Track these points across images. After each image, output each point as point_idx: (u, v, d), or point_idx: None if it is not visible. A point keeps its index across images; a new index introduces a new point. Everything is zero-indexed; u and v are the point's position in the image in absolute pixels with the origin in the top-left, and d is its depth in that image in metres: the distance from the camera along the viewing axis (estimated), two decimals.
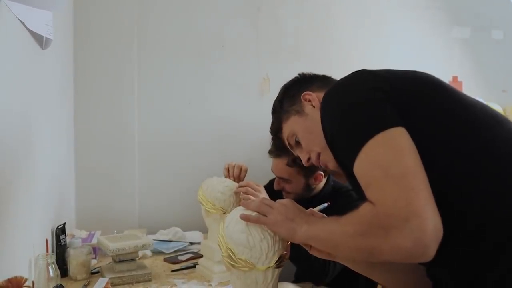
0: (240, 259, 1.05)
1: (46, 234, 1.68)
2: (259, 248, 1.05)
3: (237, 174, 1.99)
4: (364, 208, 0.86)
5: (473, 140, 0.92)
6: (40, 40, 1.56)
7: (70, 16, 2.29)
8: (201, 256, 1.85)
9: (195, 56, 2.54)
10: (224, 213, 1.71)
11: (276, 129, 1.34)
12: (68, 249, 1.76)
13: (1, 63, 1.18)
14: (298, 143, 1.26)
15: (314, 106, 1.21)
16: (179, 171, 2.52)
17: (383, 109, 0.92)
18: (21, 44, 1.39)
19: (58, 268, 1.47)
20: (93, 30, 2.38)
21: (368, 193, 0.87)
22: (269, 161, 2.57)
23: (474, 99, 1.02)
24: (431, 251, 0.79)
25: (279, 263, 1.07)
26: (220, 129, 2.58)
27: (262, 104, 2.64)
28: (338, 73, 2.83)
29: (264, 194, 1.78)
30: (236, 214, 1.13)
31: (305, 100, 1.24)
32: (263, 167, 2.58)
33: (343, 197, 1.80)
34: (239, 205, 1.20)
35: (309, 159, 1.23)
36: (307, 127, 1.21)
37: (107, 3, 2.39)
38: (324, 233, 0.95)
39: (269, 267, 1.06)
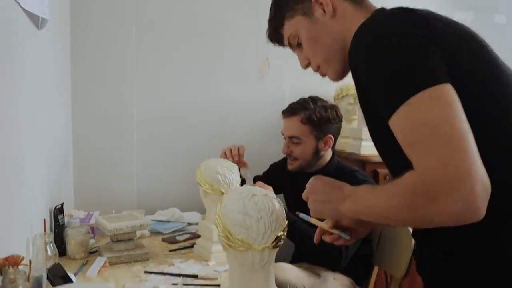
0: (237, 239, 1.06)
1: (44, 215, 1.68)
2: (256, 228, 1.05)
3: (235, 153, 2.01)
4: (407, 178, 0.81)
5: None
6: (36, 20, 1.55)
7: None
8: (199, 236, 1.86)
9: (194, 37, 2.53)
10: (222, 194, 1.71)
11: (276, 23, 1.16)
12: (67, 228, 1.77)
13: None
14: (299, 45, 1.14)
15: (325, 12, 1.06)
16: (177, 152, 2.52)
17: (434, 61, 0.84)
18: (16, 24, 1.37)
19: (56, 247, 1.48)
20: (90, 10, 2.36)
21: (411, 153, 0.82)
22: (268, 143, 2.59)
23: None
24: (482, 212, 0.77)
25: (275, 243, 1.08)
26: (219, 110, 2.58)
27: (261, 86, 2.64)
28: None
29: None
30: (234, 194, 1.13)
31: (317, 2, 1.07)
32: (262, 148, 2.59)
33: (348, 179, 1.79)
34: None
35: (308, 65, 1.16)
36: (313, 35, 1.09)
37: None
38: (369, 210, 0.92)
39: (265, 247, 1.07)
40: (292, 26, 1.12)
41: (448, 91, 0.81)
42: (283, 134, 1.99)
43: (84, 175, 2.39)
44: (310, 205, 1.04)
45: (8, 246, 1.21)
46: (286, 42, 1.17)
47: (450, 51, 0.87)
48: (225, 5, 2.57)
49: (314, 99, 1.95)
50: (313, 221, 1.20)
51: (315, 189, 1.03)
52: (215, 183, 1.73)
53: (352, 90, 2.51)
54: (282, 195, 2.12)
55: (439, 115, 0.79)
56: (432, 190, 0.77)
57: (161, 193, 2.49)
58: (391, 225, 1.02)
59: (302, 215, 1.29)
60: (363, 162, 2.32)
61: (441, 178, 0.76)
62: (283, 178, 2.09)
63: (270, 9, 1.18)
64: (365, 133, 2.39)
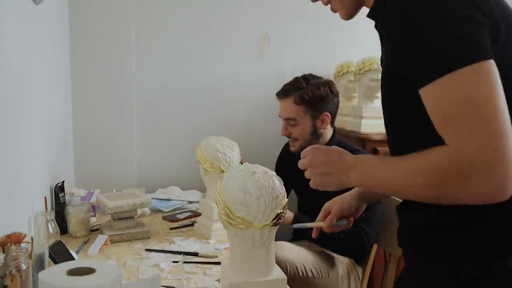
0: (237, 217, 1.06)
1: (45, 192, 1.69)
2: (256, 206, 1.06)
3: None
4: (439, 154, 0.79)
5: None
6: None
7: None
8: (200, 214, 1.86)
9: (193, 15, 2.50)
10: (222, 172, 1.71)
11: None
12: (68, 207, 1.77)
13: None
14: None
15: None
16: (177, 131, 2.52)
17: (485, 36, 0.80)
18: (14, 0, 1.35)
19: (58, 225, 1.49)
20: None
21: (446, 127, 0.79)
22: (268, 122, 2.58)
23: None
24: (510, 193, 0.77)
25: (275, 221, 1.08)
26: (219, 89, 2.56)
27: (261, 64, 2.62)
28: (340, 34, 2.78)
29: None
30: (234, 172, 1.13)
31: None
32: (262, 127, 2.59)
33: None
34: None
35: None
36: None
37: None
38: (379, 182, 0.90)
39: (265, 225, 1.07)
40: None
41: (494, 69, 0.79)
42: (280, 116, 1.97)
43: (85, 154, 2.39)
44: (310, 178, 1.02)
45: (10, 224, 1.22)
46: None
47: (496, 29, 0.83)
48: None
49: (306, 78, 1.92)
50: (309, 225, 1.26)
51: (315, 161, 1.01)
52: (215, 161, 1.73)
53: (353, 67, 2.49)
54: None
55: (485, 94, 0.77)
56: (467, 169, 0.76)
57: (162, 171, 2.49)
58: (396, 197, 0.98)
59: (297, 225, 1.33)
60: (363, 140, 2.31)
61: (478, 158, 0.75)
62: (290, 167, 2.08)
63: None
64: (365, 111, 2.38)
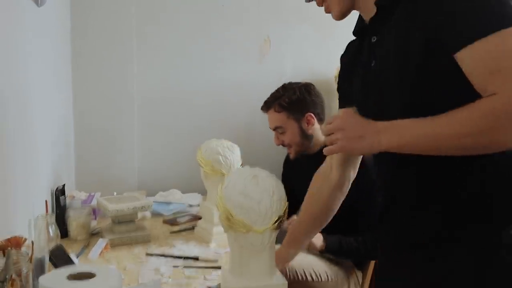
0: (238, 221, 1.06)
1: (45, 196, 1.69)
2: (257, 209, 1.05)
3: None
4: (488, 102, 0.83)
5: None
6: None
7: None
8: (200, 218, 1.86)
9: (193, 16, 2.49)
10: (223, 175, 1.71)
11: None
12: (68, 210, 1.77)
13: None
14: None
15: None
16: (178, 134, 2.52)
17: None
18: (17, 2, 1.35)
19: (58, 228, 1.48)
20: None
21: (493, 80, 0.83)
22: (268, 124, 2.57)
23: None
24: None
25: (276, 225, 1.08)
26: (220, 90, 2.56)
27: (262, 66, 2.62)
28: (340, 36, 2.77)
29: None
30: (235, 175, 1.12)
31: None
32: (263, 129, 2.57)
33: None
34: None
35: None
36: None
37: None
38: (420, 140, 0.90)
39: (266, 228, 1.06)
40: None
41: None
42: (270, 129, 2.01)
43: (86, 156, 2.39)
44: (336, 141, 0.98)
45: (10, 227, 1.21)
46: None
47: None
48: None
49: (284, 86, 1.99)
50: None
51: (345, 125, 0.97)
52: (216, 164, 1.73)
53: None
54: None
55: None
56: None
57: (162, 174, 2.49)
58: (437, 153, 0.96)
59: None
60: None
61: None
62: (293, 174, 2.08)
63: None
64: None
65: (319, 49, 2.67)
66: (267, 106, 1.97)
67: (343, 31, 2.75)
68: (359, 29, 1.12)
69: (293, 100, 1.91)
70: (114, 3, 2.36)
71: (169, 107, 2.50)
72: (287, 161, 2.16)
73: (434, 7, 0.89)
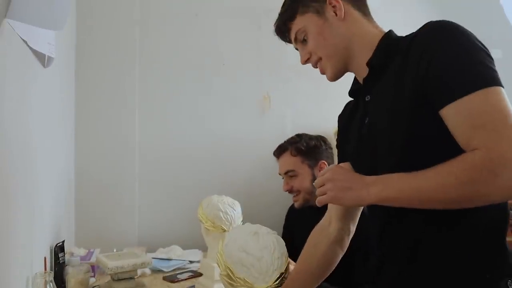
0: (239, 278, 1.05)
1: (45, 252, 1.67)
2: (258, 267, 1.05)
3: None
4: (471, 156, 0.86)
5: None
6: (42, 59, 1.58)
7: (72, 34, 2.32)
8: (201, 274, 1.83)
9: (195, 73, 2.56)
10: (224, 231, 1.70)
11: (288, 17, 1.22)
12: (67, 267, 1.75)
13: (3, 81, 1.18)
14: (304, 41, 1.20)
15: (337, 14, 1.13)
16: (179, 189, 2.52)
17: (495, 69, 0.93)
18: (24, 63, 1.40)
19: (57, 286, 1.46)
20: (95, 49, 2.41)
21: (476, 135, 0.86)
22: (270, 179, 2.58)
23: None
24: None
25: (278, 282, 1.07)
26: (221, 146, 2.59)
27: (262, 122, 2.66)
28: (339, 92, 2.83)
29: None
30: (235, 232, 1.12)
31: (330, 4, 1.14)
32: (264, 184, 2.59)
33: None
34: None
35: (307, 60, 1.21)
36: (322, 31, 1.15)
37: (109, 22, 2.42)
38: (405, 193, 0.93)
39: (268, 286, 1.05)
40: (303, 21, 1.17)
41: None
42: (280, 175, 2.04)
43: (86, 212, 2.38)
44: (326, 192, 1.02)
45: (8, 285, 1.20)
46: (292, 36, 1.23)
47: None
48: (226, 42, 2.61)
49: (299, 134, 2.06)
50: None
51: (335, 176, 1.02)
52: (216, 220, 1.73)
53: None
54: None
55: (510, 108, 0.86)
56: (499, 165, 0.82)
57: (163, 230, 2.47)
58: (424, 206, 0.97)
59: None
60: None
61: (509, 154, 0.82)
62: (297, 226, 2.07)
63: (285, 2, 1.24)
64: None
65: (319, 105, 2.72)
66: (281, 150, 2.03)
67: (342, 88, 2.83)
68: (354, 90, 1.19)
69: (310, 146, 1.98)
70: (117, 62, 2.43)
71: (170, 163, 2.52)
72: (291, 212, 2.16)
73: (421, 65, 0.94)
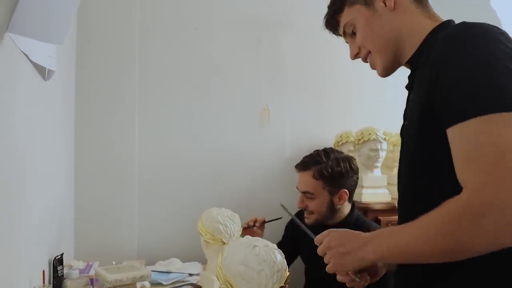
0: None
1: (43, 265, 1.66)
2: (258, 280, 1.04)
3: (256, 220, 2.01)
4: (452, 202, 0.80)
5: None
6: (43, 72, 1.59)
7: (73, 47, 2.33)
8: (200, 287, 1.82)
9: (195, 86, 2.57)
10: (224, 244, 1.70)
11: (336, 9, 1.16)
12: (66, 280, 1.74)
13: (4, 94, 1.19)
14: (353, 35, 1.14)
15: (386, 5, 1.06)
16: (178, 202, 2.52)
17: None
18: (25, 76, 1.41)
19: None
20: (95, 62, 2.41)
21: (468, 168, 0.80)
22: (270, 191, 2.59)
23: None
24: None
25: None
26: (220, 159, 2.59)
27: (262, 135, 2.67)
28: (338, 104, 2.85)
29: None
30: (235, 245, 1.12)
31: None
32: (264, 197, 2.59)
33: None
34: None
35: (357, 54, 1.15)
36: (371, 23, 1.08)
37: (109, 36, 2.43)
38: (400, 248, 0.88)
39: None
40: (351, 13, 1.12)
41: None
42: (297, 188, 1.94)
43: (85, 225, 2.38)
44: (329, 260, 1.00)
45: None
46: (341, 30, 1.17)
47: None
48: (225, 55, 2.62)
49: (327, 152, 1.90)
50: None
51: (331, 243, 1.00)
52: (216, 232, 1.72)
53: (352, 137, 2.53)
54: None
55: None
56: (480, 209, 0.76)
57: (162, 243, 2.46)
58: (418, 262, 0.95)
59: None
60: (364, 209, 2.31)
61: (492, 198, 0.75)
62: (301, 234, 2.05)
63: None
64: (366, 180, 2.39)
65: (318, 117, 2.73)
66: (304, 167, 1.89)
67: (341, 100, 2.85)
68: (407, 86, 1.14)
69: (335, 172, 1.84)
70: (117, 76, 2.44)
71: (169, 175, 2.52)
72: (299, 216, 2.12)
73: (431, 77, 0.89)
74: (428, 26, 1.03)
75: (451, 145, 0.84)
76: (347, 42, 1.19)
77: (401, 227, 0.89)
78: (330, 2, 1.19)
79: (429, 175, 0.89)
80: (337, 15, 1.16)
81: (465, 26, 0.91)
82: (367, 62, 1.14)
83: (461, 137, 0.82)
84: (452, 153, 0.84)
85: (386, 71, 1.11)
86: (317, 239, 1.04)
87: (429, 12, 1.07)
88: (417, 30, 1.03)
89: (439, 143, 0.87)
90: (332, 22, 1.18)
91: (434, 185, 0.89)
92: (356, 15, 1.11)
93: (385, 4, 1.06)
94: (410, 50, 1.05)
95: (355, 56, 1.15)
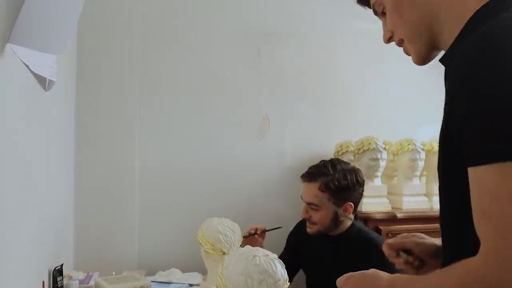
0: None
1: (43, 276, 1.66)
2: None
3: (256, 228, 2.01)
4: (465, 268, 0.71)
5: None
6: (44, 82, 1.59)
7: (73, 58, 2.34)
8: None
9: (195, 96, 2.57)
10: (224, 254, 1.69)
11: None
12: None
13: (4, 104, 1.19)
14: (384, 14, 0.98)
15: None
16: (178, 212, 2.51)
17: None
18: (25, 86, 1.41)
19: None
20: (95, 73, 2.42)
21: (482, 226, 0.70)
22: (269, 200, 2.59)
23: None
24: None
25: None
26: (220, 169, 2.59)
27: (262, 144, 2.67)
28: (338, 114, 2.85)
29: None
30: (235, 255, 1.12)
31: None
32: (264, 206, 2.58)
33: (372, 253, 1.54)
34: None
35: (390, 38, 0.99)
36: (399, 7, 0.92)
37: (110, 46, 2.45)
38: None
39: None
40: None
41: None
42: (302, 198, 1.93)
43: (85, 235, 2.37)
44: None
45: None
46: (372, 8, 1.02)
47: None
48: (226, 64, 2.63)
49: (334, 163, 1.89)
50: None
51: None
52: (216, 242, 1.72)
53: (352, 146, 2.53)
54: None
55: None
56: (493, 285, 0.66)
57: (162, 253, 2.46)
58: None
59: None
60: (365, 219, 2.30)
61: (509, 274, 0.65)
62: (303, 243, 2.05)
63: None
64: (366, 189, 2.38)
65: (318, 127, 2.73)
66: (310, 177, 1.87)
67: (341, 109, 2.85)
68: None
69: (341, 185, 1.82)
70: (118, 86, 2.45)
71: (169, 185, 2.52)
72: (298, 231, 2.10)
73: (448, 95, 0.78)
74: (471, 7, 0.83)
75: (470, 186, 0.73)
76: (381, 20, 1.03)
77: (415, 280, 0.83)
78: None
79: (460, 182, 0.77)
80: None
81: (489, 37, 0.73)
82: (401, 45, 0.98)
83: (476, 183, 0.71)
84: (471, 197, 0.73)
85: (422, 61, 0.94)
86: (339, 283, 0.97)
87: None
88: (456, 12, 0.85)
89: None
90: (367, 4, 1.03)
91: (465, 192, 0.78)
92: None
93: None
94: (449, 36, 0.86)
95: (388, 40, 0.99)
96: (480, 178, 0.70)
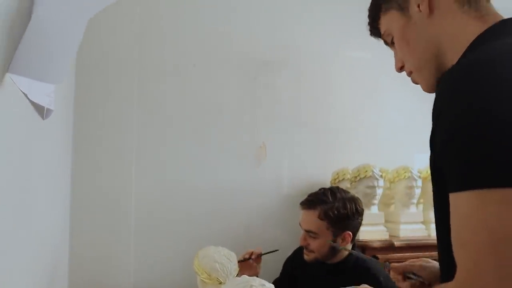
0: None
1: None
2: None
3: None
4: None
5: None
6: (41, 111, 1.59)
7: (71, 86, 2.35)
8: None
9: (192, 123, 2.59)
10: (220, 283, 1.67)
11: (373, 17, 1.03)
12: None
13: (4, 134, 1.20)
14: (394, 44, 1.00)
15: (420, 10, 0.90)
16: (175, 240, 2.49)
17: None
18: (23, 115, 1.42)
19: None
20: (93, 101, 2.44)
21: (457, 253, 0.70)
22: (266, 228, 2.57)
23: None
24: None
25: None
26: (217, 196, 2.58)
27: (259, 172, 2.67)
28: (335, 141, 2.87)
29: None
30: (232, 285, 1.11)
31: None
32: (261, 234, 2.57)
33: (370, 281, 1.53)
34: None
35: (401, 68, 1.00)
36: (405, 35, 0.94)
37: (108, 75, 2.47)
38: None
39: None
40: (386, 21, 0.99)
41: None
42: (300, 225, 1.93)
43: (80, 268, 2.34)
44: None
45: None
46: (382, 39, 1.04)
47: None
48: (221, 92, 2.65)
49: (333, 192, 1.90)
50: None
51: None
52: (213, 271, 1.70)
53: (348, 174, 2.54)
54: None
55: (509, 229, 0.64)
56: None
57: (158, 281, 2.43)
58: None
59: None
60: (363, 247, 2.29)
61: None
62: (300, 270, 2.03)
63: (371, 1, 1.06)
64: (363, 217, 2.38)
65: (315, 155, 2.74)
66: (310, 205, 1.88)
67: (337, 137, 2.87)
68: None
69: (341, 214, 1.83)
70: (115, 115, 2.46)
71: (166, 212, 2.51)
72: (296, 258, 2.10)
73: (433, 119, 0.78)
74: (472, 31, 0.83)
75: (450, 210, 0.73)
76: (392, 50, 1.05)
77: None
78: (368, 8, 1.06)
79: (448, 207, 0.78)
80: (376, 23, 1.03)
81: (471, 65, 0.74)
82: (410, 75, 1.00)
83: (454, 209, 0.71)
84: (450, 221, 0.73)
85: (431, 88, 0.94)
86: None
87: (481, 11, 0.86)
88: (459, 38, 0.85)
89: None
90: (374, 31, 1.06)
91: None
92: (391, 24, 0.98)
93: (419, 8, 0.90)
94: (453, 63, 0.84)
95: (400, 69, 1.01)
96: (456, 205, 0.70)
